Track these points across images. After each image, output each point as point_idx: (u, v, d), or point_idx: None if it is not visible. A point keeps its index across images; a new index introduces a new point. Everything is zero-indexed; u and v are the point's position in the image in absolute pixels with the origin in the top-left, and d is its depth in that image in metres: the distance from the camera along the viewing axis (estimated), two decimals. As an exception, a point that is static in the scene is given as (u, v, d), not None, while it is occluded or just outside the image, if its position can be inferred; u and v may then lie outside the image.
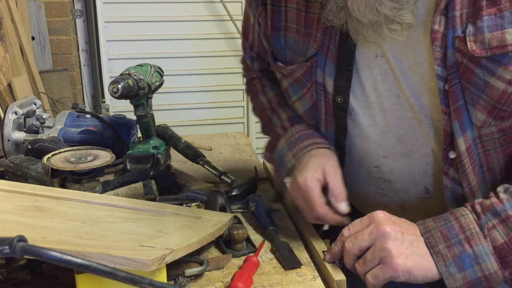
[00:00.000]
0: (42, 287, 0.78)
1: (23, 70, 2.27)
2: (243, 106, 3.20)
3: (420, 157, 0.91)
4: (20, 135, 1.30)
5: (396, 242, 0.75)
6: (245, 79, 1.21)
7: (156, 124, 1.24)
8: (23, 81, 2.20)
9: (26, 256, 0.54)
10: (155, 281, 0.59)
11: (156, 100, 1.26)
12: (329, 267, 0.80)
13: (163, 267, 0.69)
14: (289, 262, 0.83)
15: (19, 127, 1.31)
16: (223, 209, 0.96)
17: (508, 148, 0.86)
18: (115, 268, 0.57)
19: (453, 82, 0.81)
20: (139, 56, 2.86)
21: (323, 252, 0.84)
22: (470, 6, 0.77)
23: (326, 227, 1.07)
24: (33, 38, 2.57)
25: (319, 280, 0.79)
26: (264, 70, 1.12)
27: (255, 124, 3.17)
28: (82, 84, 2.96)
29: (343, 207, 0.87)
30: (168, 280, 0.72)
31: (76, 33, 2.89)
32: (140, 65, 1.17)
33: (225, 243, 0.87)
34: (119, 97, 1.07)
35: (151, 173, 1.06)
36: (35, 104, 1.39)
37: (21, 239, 0.54)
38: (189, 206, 0.97)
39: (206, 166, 1.19)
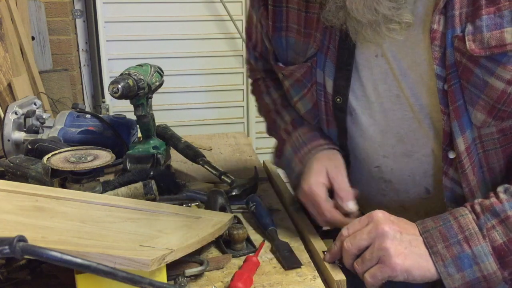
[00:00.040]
0: (42, 287, 0.77)
1: (23, 70, 2.27)
2: (243, 106, 3.20)
3: (420, 157, 0.91)
4: (20, 135, 1.30)
5: (394, 242, 0.75)
6: (250, 80, 1.21)
7: (156, 124, 1.24)
8: (23, 81, 2.19)
9: (26, 256, 0.54)
10: (155, 281, 0.59)
11: (156, 100, 1.26)
12: (329, 267, 0.80)
13: (163, 267, 0.69)
14: (289, 262, 0.83)
15: (19, 127, 1.31)
16: (223, 209, 0.96)
17: (508, 148, 0.85)
18: (115, 268, 0.57)
19: (452, 82, 0.80)
20: (139, 56, 2.85)
21: (323, 252, 0.84)
22: (469, 5, 0.77)
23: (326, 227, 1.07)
24: (33, 38, 2.57)
25: (319, 280, 0.79)
26: (268, 70, 1.12)
27: (255, 124, 3.17)
28: (82, 84, 2.96)
29: (351, 205, 0.87)
30: (168, 280, 0.72)
31: (76, 33, 2.89)
32: (140, 65, 1.17)
33: (225, 243, 0.87)
34: (119, 97, 1.07)
35: (151, 173, 1.06)
36: (35, 104, 1.39)
37: (21, 239, 0.54)
38: (189, 206, 0.97)
39: (206, 166, 1.19)
